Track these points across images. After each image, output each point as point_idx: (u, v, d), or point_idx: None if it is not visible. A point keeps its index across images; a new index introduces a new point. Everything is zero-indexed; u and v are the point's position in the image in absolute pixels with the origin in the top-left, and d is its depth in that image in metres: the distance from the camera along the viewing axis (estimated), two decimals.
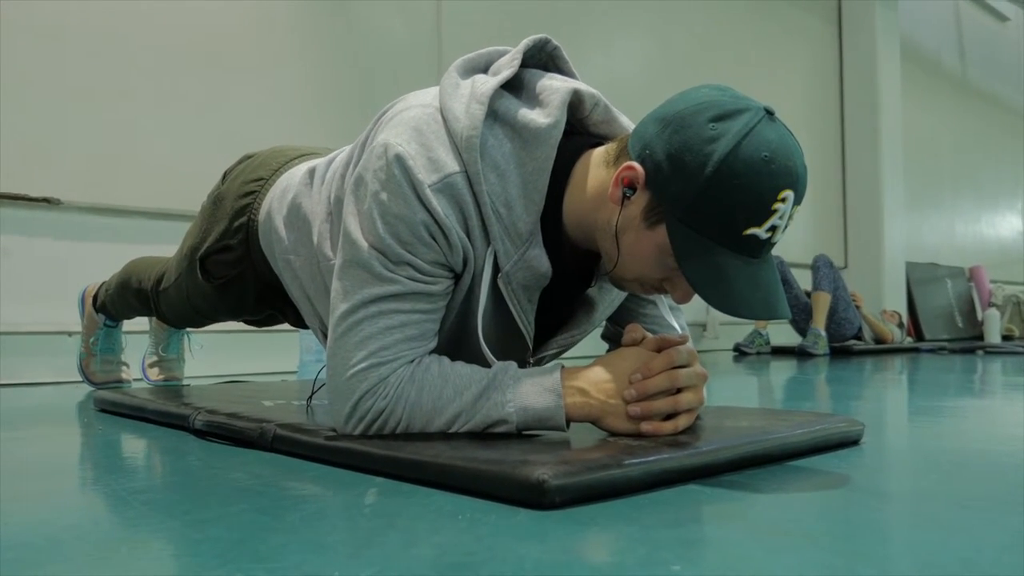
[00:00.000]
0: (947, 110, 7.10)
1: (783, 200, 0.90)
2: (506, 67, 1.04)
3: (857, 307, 4.46)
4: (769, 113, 0.92)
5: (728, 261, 0.92)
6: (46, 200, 2.49)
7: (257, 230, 1.32)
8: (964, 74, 7.44)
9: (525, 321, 1.07)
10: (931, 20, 6.94)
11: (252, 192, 1.35)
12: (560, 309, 1.14)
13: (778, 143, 0.90)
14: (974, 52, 7.56)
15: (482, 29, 3.52)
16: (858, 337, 4.40)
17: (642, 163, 0.93)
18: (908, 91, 6.03)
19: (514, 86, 1.05)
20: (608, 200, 0.97)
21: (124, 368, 2.16)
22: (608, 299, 1.16)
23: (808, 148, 5.17)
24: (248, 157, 1.46)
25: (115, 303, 1.90)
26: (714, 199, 0.89)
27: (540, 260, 1.02)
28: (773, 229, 0.91)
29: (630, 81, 4.25)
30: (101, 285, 2.00)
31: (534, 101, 1.03)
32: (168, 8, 2.74)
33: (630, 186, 0.94)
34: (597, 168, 1.01)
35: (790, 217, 0.92)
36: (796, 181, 0.91)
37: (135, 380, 2.19)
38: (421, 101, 1.04)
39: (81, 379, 2.13)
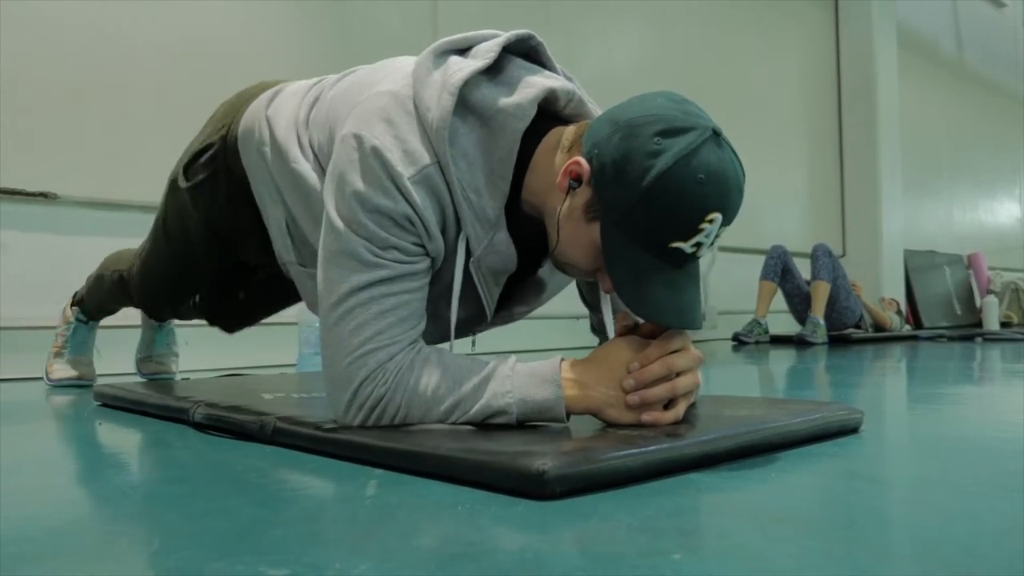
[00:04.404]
0: (945, 97, 7.08)
1: (710, 221, 0.93)
2: (482, 57, 1.05)
3: (857, 295, 4.47)
4: (716, 134, 0.94)
5: (651, 268, 0.95)
6: (43, 195, 2.48)
7: (237, 133, 1.35)
8: (961, 61, 7.42)
9: (489, 302, 1.11)
10: (928, 6, 6.92)
11: (235, 110, 1.39)
12: (510, 286, 1.16)
13: (716, 166, 0.92)
14: (972, 39, 7.54)
15: (478, 22, 3.49)
16: (858, 326, 4.41)
17: (589, 161, 0.96)
18: (905, 78, 6.01)
19: (492, 70, 1.06)
20: (557, 186, 1.00)
21: (90, 368, 2.12)
22: (556, 281, 1.21)
23: (805, 136, 5.15)
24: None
25: (92, 293, 1.91)
26: (646, 211, 0.92)
27: (506, 245, 1.05)
28: (698, 245, 0.95)
29: (626, 71, 4.23)
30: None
31: (507, 91, 1.04)
32: (164, 3, 2.73)
33: (577, 179, 0.97)
34: (553, 152, 1.04)
35: (717, 236, 0.96)
36: (727, 205, 0.94)
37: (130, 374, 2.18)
38: (391, 86, 1.05)
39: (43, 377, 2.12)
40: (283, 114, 1.25)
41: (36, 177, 2.47)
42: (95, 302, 1.96)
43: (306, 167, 1.17)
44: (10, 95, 2.43)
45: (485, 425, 0.98)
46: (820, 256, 4.21)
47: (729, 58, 4.95)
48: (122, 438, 1.25)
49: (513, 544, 0.61)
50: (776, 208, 5.12)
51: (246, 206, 1.36)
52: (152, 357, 2.12)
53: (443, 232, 1.03)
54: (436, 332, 1.11)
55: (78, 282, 2.16)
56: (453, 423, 0.99)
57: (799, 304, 4.31)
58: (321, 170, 1.15)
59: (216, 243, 1.46)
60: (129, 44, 2.65)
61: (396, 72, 1.09)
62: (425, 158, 0.99)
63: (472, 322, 1.15)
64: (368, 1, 3.25)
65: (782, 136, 5.26)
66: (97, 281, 1.86)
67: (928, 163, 6.70)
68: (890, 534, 0.65)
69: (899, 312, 4.91)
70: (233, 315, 1.64)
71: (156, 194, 2.68)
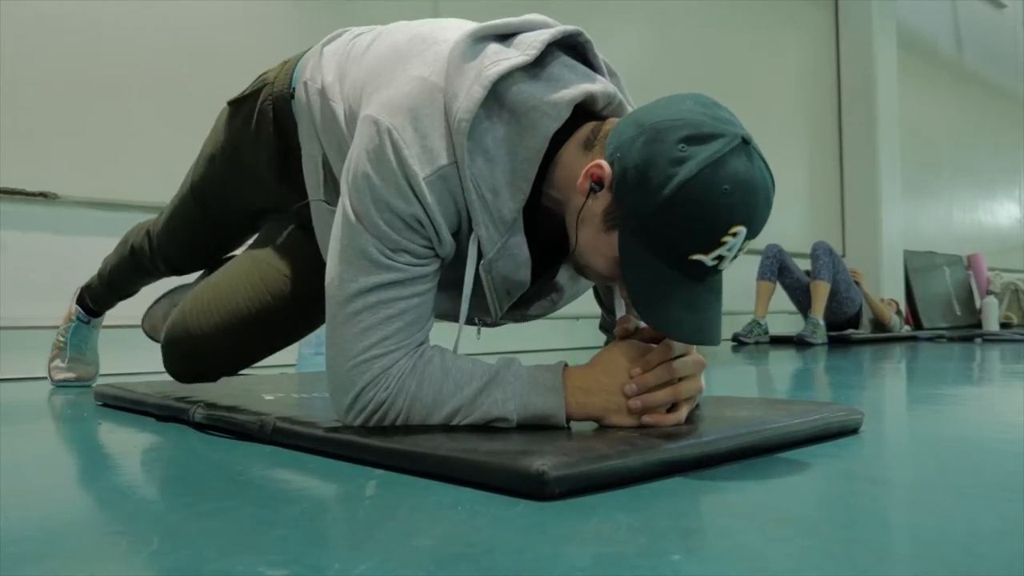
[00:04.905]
0: (944, 98, 7.08)
1: (734, 234, 0.89)
2: (524, 52, 1.01)
3: (857, 283, 4.48)
4: (745, 142, 0.90)
5: (670, 280, 0.92)
6: (43, 195, 2.48)
7: (295, 65, 1.33)
8: (961, 61, 7.42)
9: (497, 308, 1.08)
10: (928, 7, 6.92)
11: (303, 54, 1.38)
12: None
13: (743, 176, 0.88)
14: (971, 39, 7.54)
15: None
16: (858, 317, 4.42)
17: (611, 164, 0.93)
18: (905, 79, 6.01)
19: (533, 65, 1.02)
20: (578, 188, 0.97)
21: (90, 368, 2.10)
22: (576, 288, 1.18)
23: (805, 136, 5.12)
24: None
25: (109, 269, 1.84)
26: (666, 221, 0.89)
27: (521, 248, 1.02)
28: (720, 259, 0.91)
29: (626, 71, 4.19)
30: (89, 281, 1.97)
31: (544, 90, 1.00)
32: (164, 2, 2.73)
33: (598, 182, 0.94)
34: (579, 150, 1.00)
35: (740, 249, 0.92)
36: (752, 217, 0.90)
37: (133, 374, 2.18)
38: (422, 71, 1.02)
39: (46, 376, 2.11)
40: (335, 55, 1.24)
41: (36, 177, 2.47)
42: (108, 283, 1.87)
43: (342, 112, 1.16)
44: (10, 95, 2.43)
45: (485, 426, 0.98)
46: (820, 255, 4.21)
47: (729, 58, 4.94)
48: (122, 438, 1.25)
49: (513, 545, 0.61)
50: (776, 208, 5.04)
51: (272, 141, 1.33)
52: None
53: (458, 232, 1.01)
54: (441, 313, 1.09)
55: (78, 282, 2.16)
56: (454, 426, 0.99)
57: (801, 296, 4.35)
58: (348, 128, 1.14)
59: (235, 170, 1.42)
60: (129, 44, 2.65)
61: (431, 51, 1.05)
62: (443, 157, 0.96)
63: (479, 311, 1.12)
64: (368, 1, 3.25)
65: (782, 136, 5.25)
66: (120, 247, 1.79)
67: (928, 164, 6.70)
68: (890, 534, 0.65)
69: (899, 312, 4.91)
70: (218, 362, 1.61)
71: (156, 194, 2.69)
